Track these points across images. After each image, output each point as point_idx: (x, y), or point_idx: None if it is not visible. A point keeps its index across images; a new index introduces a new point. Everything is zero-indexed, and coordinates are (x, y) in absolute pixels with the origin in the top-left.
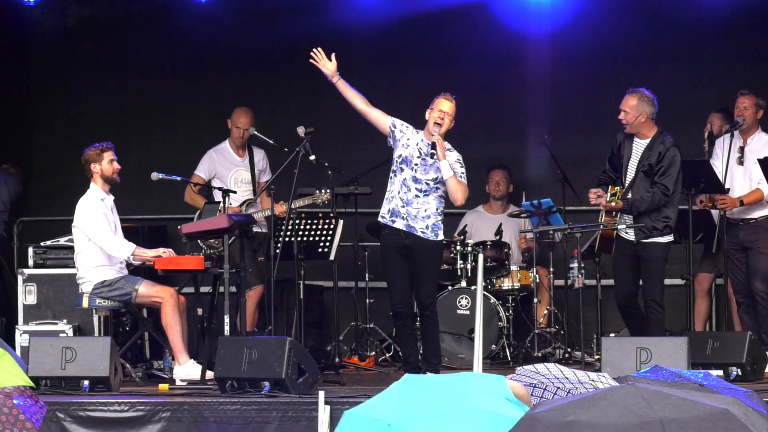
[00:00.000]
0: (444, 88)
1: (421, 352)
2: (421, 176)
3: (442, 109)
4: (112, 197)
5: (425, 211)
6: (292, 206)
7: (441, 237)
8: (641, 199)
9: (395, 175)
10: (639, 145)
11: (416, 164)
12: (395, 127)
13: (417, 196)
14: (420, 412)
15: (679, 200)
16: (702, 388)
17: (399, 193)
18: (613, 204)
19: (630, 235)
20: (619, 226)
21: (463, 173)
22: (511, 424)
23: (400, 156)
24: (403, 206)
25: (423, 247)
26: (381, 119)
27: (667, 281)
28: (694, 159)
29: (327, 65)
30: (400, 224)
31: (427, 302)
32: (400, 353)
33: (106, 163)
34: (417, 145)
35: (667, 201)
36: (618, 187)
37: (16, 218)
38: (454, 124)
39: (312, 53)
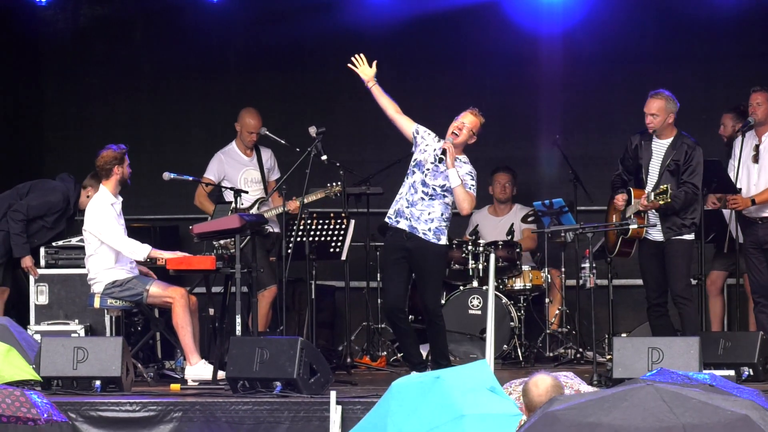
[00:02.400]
0: (455, 89)
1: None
2: (430, 181)
3: (464, 121)
4: (121, 199)
5: (429, 214)
6: (305, 200)
7: (443, 242)
8: (676, 197)
9: (407, 178)
10: (660, 145)
11: (428, 169)
12: (418, 133)
13: (422, 198)
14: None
15: None
16: (713, 389)
17: (406, 194)
18: (661, 203)
19: (654, 236)
20: (632, 226)
21: (473, 185)
22: (500, 420)
23: (415, 160)
24: (408, 207)
25: (424, 250)
26: (407, 126)
27: None
28: (705, 159)
29: (366, 71)
30: (403, 225)
31: (432, 308)
32: (401, 355)
33: (126, 167)
34: (434, 151)
35: (696, 199)
36: (661, 187)
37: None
38: (475, 140)
39: (353, 58)
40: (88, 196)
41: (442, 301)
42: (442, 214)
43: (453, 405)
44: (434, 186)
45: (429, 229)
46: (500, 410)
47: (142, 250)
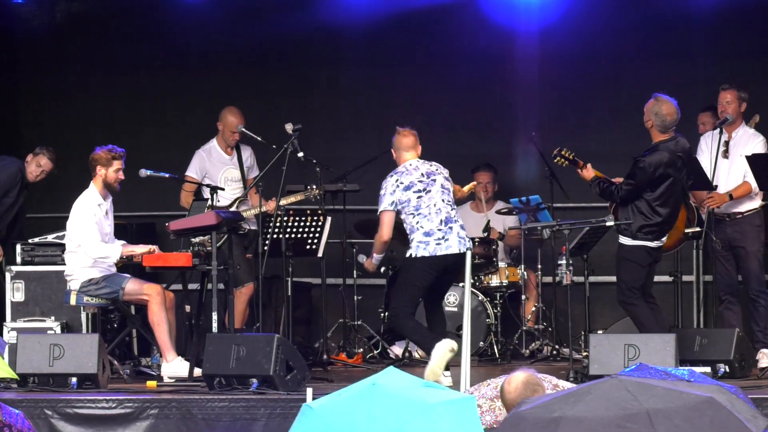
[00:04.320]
0: (432, 86)
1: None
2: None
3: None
4: (110, 199)
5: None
6: (284, 203)
7: (409, 253)
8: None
9: None
10: None
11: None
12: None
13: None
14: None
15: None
16: (688, 384)
17: None
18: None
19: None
20: (608, 223)
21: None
22: (461, 404)
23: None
24: None
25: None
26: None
27: (656, 278)
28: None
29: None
30: None
31: (389, 312)
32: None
33: (112, 171)
34: None
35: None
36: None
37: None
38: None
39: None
40: (38, 165)
41: (405, 308)
42: (410, 233)
43: (413, 400)
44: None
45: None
46: (456, 396)
47: (114, 252)
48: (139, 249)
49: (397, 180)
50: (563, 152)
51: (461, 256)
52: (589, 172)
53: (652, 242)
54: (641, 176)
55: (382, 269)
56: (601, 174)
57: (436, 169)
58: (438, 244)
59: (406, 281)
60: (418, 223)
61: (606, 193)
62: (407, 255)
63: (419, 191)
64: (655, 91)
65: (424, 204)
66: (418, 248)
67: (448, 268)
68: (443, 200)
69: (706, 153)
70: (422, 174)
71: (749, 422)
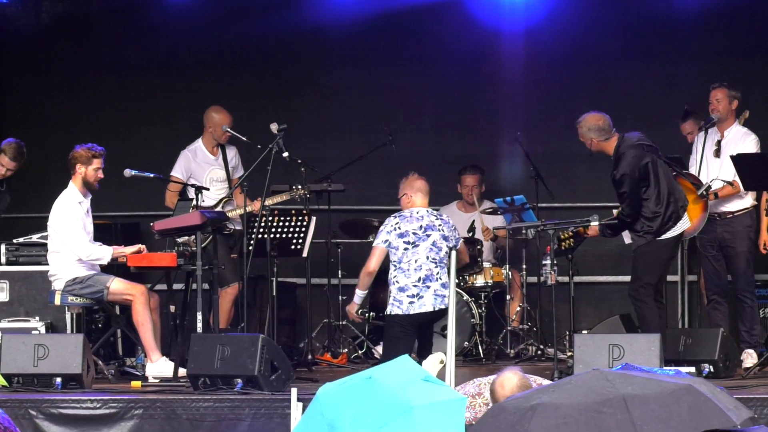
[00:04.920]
0: (417, 85)
1: None
2: None
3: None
4: (89, 198)
5: None
6: (269, 203)
7: (387, 311)
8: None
9: None
10: None
11: None
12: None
13: None
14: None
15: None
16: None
17: None
18: None
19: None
20: (593, 223)
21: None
22: (447, 406)
23: None
24: None
25: None
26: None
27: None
28: (666, 156)
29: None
30: None
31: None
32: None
33: (92, 170)
34: None
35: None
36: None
37: None
38: None
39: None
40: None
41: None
42: (389, 284)
43: (397, 399)
44: None
45: None
46: (445, 397)
47: (105, 255)
48: (129, 249)
49: (397, 223)
50: (562, 236)
51: (437, 314)
52: (593, 230)
53: (674, 228)
54: (629, 183)
55: (366, 315)
56: (602, 222)
57: (439, 225)
58: (411, 302)
59: (392, 336)
60: (395, 277)
61: (617, 226)
62: (386, 312)
63: (409, 243)
64: (641, 91)
65: (406, 258)
66: (392, 306)
67: (422, 327)
68: (428, 257)
69: (695, 153)
70: (420, 227)
71: (730, 411)
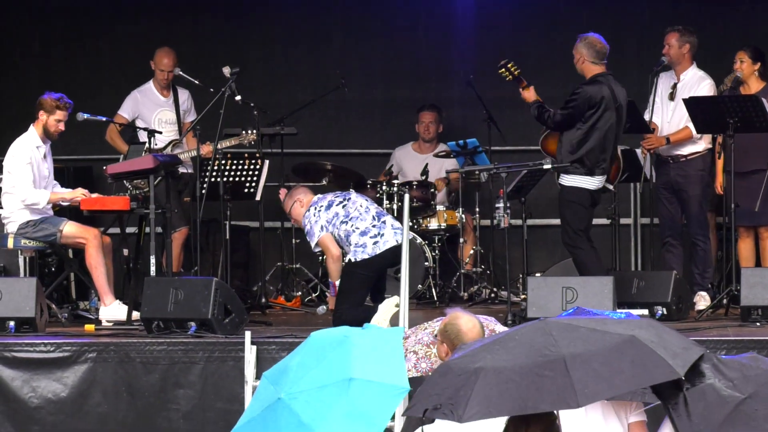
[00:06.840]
0: (368, 31)
1: None
2: None
3: None
4: (49, 143)
5: None
6: (219, 147)
7: (348, 258)
8: None
9: None
10: None
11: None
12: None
13: None
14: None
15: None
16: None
17: None
18: None
19: None
20: (545, 166)
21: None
22: (385, 390)
23: None
24: None
25: None
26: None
27: (594, 221)
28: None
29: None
30: None
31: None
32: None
33: (54, 119)
34: None
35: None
36: None
37: None
38: None
39: None
40: None
41: (351, 310)
42: (346, 240)
43: (346, 366)
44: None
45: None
46: (389, 381)
47: (43, 198)
48: (69, 194)
49: (314, 209)
50: (509, 65)
51: (398, 248)
52: (530, 94)
53: (593, 180)
54: (579, 102)
55: (321, 258)
56: (541, 99)
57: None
58: (375, 243)
59: (351, 287)
60: (352, 225)
61: (542, 117)
62: (347, 260)
63: (341, 202)
64: (593, 31)
65: (352, 209)
66: (356, 252)
67: (382, 271)
68: (367, 200)
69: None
70: (334, 194)
71: (676, 357)
